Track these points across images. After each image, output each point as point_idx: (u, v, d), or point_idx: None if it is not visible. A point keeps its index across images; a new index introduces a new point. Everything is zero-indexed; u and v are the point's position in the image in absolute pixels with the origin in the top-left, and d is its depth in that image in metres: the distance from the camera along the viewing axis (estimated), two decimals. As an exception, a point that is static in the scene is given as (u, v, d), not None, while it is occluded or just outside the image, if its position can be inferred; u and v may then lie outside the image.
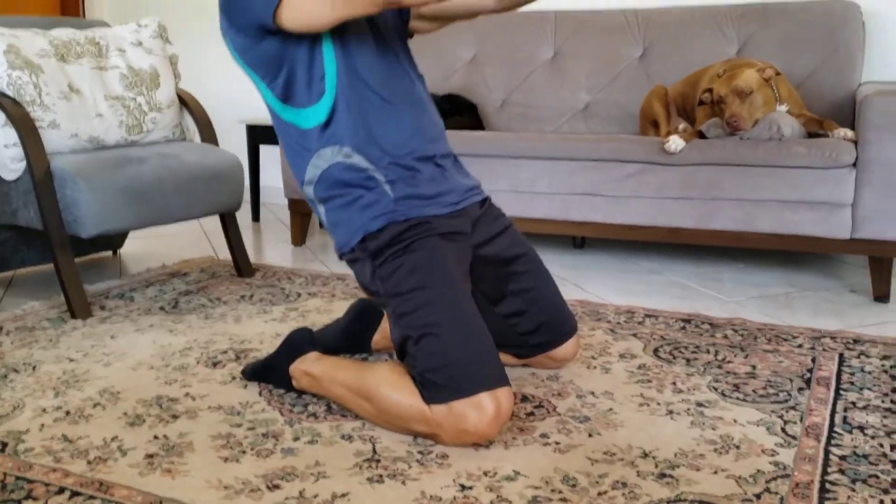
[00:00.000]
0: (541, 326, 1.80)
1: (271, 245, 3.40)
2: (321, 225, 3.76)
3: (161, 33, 2.85)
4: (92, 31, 2.70)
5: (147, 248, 3.31)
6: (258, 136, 3.78)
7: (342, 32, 1.57)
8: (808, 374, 1.87)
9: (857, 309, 2.44)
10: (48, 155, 2.35)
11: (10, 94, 2.36)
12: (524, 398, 1.74)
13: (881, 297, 2.50)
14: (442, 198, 1.65)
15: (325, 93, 1.58)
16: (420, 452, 1.48)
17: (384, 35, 1.68)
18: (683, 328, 2.22)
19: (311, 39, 1.55)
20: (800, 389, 1.79)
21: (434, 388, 1.46)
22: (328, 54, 1.58)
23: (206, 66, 4.35)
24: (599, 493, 1.33)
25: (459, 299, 1.55)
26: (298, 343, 1.76)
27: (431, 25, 1.82)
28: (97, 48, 2.65)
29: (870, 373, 1.89)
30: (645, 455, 1.47)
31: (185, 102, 2.83)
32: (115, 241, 3.12)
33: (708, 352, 2.03)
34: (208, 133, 2.81)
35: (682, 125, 2.85)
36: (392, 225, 1.59)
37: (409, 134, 1.64)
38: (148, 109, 2.68)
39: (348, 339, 1.98)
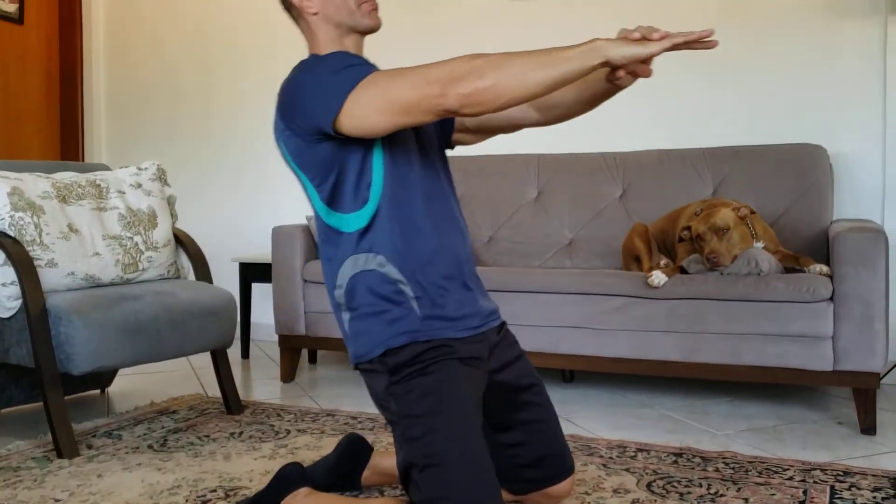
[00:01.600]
0: (541, 461, 1.78)
1: (260, 381, 3.40)
2: (311, 361, 3.77)
3: (160, 175, 2.96)
4: (93, 175, 2.81)
5: (135, 385, 3.30)
6: (250, 273, 3.85)
7: (391, 143, 1.59)
8: (802, 508, 1.87)
9: (845, 441, 2.45)
10: (44, 293, 2.39)
11: (12, 234, 2.43)
12: (518, 535, 1.72)
13: (867, 429, 2.52)
14: (465, 321, 1.64)
15: (369, 200, 1.58)
16: (414, 592, 1.45)
17: (427, 149, 1.70)
18: (675, 462, 2.22)
19: (365, 146, 1.57)
20: (794, 523, 1.78)
21: (435, 523, 1.45)
22: (377, 163, 1.59)
23: (200, 205, 4.48)
24: None
25: (470, 433, 1.53)
26: (289, 478, 1.75)
27: (474, 138, 1.86)
28: (98, 190, 2.75)
29: (862, 505, 1.88)
30: (642, 592, 1.45)
31: (181, 241, 2.90)
32: (103, 378, 3.12)
33: (700, 485, 2.03)
34: (203, 271, 2.87)
35: (663, 261, 2.95)
36: (414, 344, 1.57)
37: (443, 251, 1.63)
38: (144, 248, 2.76)
39: (338, 475, 1.96)
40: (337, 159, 1.56)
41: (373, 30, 1.67)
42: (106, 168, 3.03)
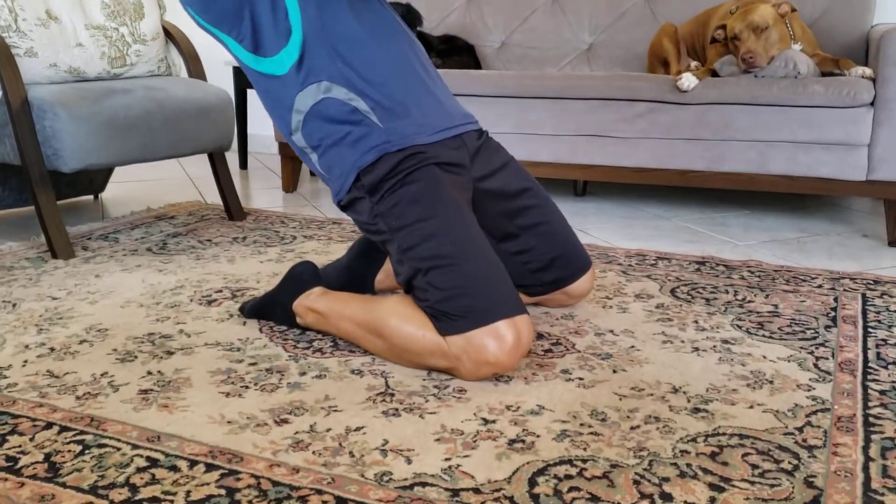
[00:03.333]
0: (554, 261, 1.70)
1: (261, 192, 3.27)
2: (312, 173, 3.63)
3: (144, -38, 2.69)
4: (70, -43, 2.54)
5: (130, 192, 3.17)
6: (245, 79, 3.62)
7: None
8: (833, 313, 1.79)
9: (872, 252, 2.36)
10: (25, 85, 2.20)
11: (-16, 18, 2.21)
12: (540, 336, 1.64)
13: (895, 241, 2.42)
14: (433, 124, 1.54)
15: (292, 28, 1.49)
16: (436, 387, 1.38)
17: None
18: (698, 270, 2.13)
19: None
20: (826, 327, 1.70)
21: (449, 319, 1.36)
22: None
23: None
24: (632, 428, 1.24)
25: (466, 226, 1.45)
26: (302, 278, 1.66)
27: None
28: (76, -25, 2.49)
29: (895, 311, 1.81)
30: (675, 390, 1.38)
31: (172, 35, 2.68)
32: (96, 183, 2.98)
33: (727, 292, 1.95)
34: (196, 68, 2.66)
35: (693, 63, 2.74)
36: (386, 157, 1.48)
37: (389, 57, 1.54)
38: (132, 41, 2.53)
39: (350, 278, 1.87)
40: (243, 2, 1.48)
41: None
42: (83, -48, 2.74)
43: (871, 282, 2.04)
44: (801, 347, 1.59)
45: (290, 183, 3.21)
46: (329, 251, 2.31)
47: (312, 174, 3.63)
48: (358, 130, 1.49)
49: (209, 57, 3.93)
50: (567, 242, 1.70)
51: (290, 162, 3.19)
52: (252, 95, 3.80)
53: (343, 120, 1.50)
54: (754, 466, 1.13)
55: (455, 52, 3.14)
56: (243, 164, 3.75)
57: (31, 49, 2.28)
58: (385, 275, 1.90)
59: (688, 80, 2.48)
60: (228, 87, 3.75)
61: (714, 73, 2.58)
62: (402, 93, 1.52)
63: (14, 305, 1.80)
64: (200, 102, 2.43)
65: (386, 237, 1.49)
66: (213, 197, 3.05)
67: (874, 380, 1.43)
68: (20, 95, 2.15)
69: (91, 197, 3.04)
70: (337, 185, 1.55)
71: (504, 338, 1.35)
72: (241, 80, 3.62)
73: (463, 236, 1.42)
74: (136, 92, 2.31)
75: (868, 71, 2.40)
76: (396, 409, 1.29)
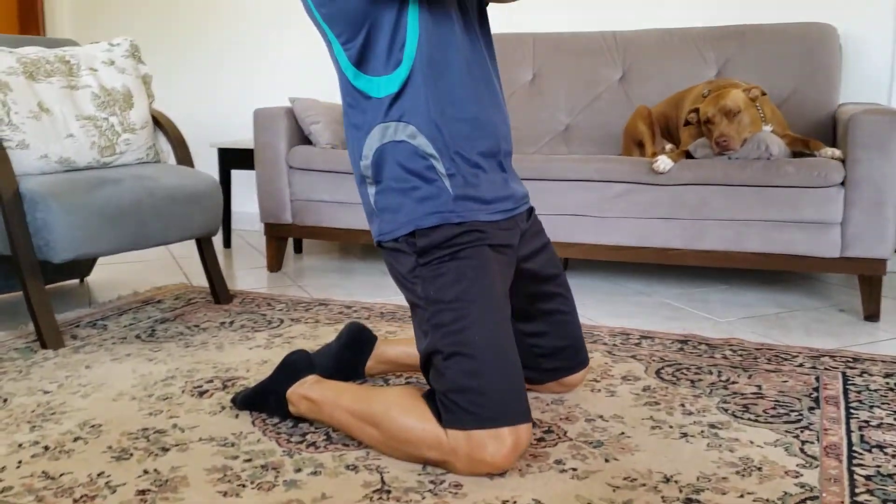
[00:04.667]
0: (560, 351, 1.74)
1: (245, 271, 3.30)
2: (297, 250, 3.67)
3: (133, 52, 2.76)
4: (62, 50, 2.60)
5: (115, 275, 3.18)
6: (230, 160, 3.67)
7: (431, 2, 1.45)
8: (815, 393, 1.84)
9: (849, 328, 2.42)
10: (16, 176, 2.24)
11: (-23, 112, 2.25)
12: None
13: (871, 315, 2.49)
14: (499, 203, 1.55)
15: (402, 62, 1.45)
16: (432, 482, 1.40)
17: (467, 9, 1.55)
18: (681, 349, 2.18)
19: (400, 2, 1.43)
20: (810, 409, 1.75)
21: (456, 411, 1.38)
22: (413, 20, 1.45)
23: (174, 87, 4.25)
24: (627, 521, 1.26)
25: (500, 323, 1.46)
26: (296, 365, 1.67)
27: None
28: (67, 67, 2.55)
29: (875, 391, 1.86)
30: (667, 480, 1.41)
31: (160, 123, 2.73)
32: (82, 268, 2.99)
33: (710, 372, 1.99)
34: (183, 154, 2.71)
35: (668, 146, 2.84)
36: (446, 226, 1.47)
37: (482, 125, 1.52)
38: (121, 130, 2.58)
39: (341, 366, 1.89)
40: (368, 14, 1.41)
41: None
42: (74, 43, 2.81)
43: (851, 359, 2.09)
44: (787, 431, 1.62)
45: (275, 263, 3.24)
46: (317, 335, 2.33)
47: (297, 252, 3.66)
48: (428, 189, 1.48)
49: (195, 138, 4.00)
50: (576, 336, 1.74)
51: (275, 242, 3.23)
52: (236, 175, 3.85)
53: (417, 172, 1.48)
54: (749, 561, 1.15)
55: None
56: (227, 242, 3.78)
57: (23, 141, 2.32)
58: (375, 361, 1.92)
59: (664, 163, 2.57)
60: (214, 166, 3.79)
61: (688, 155, 2.67)
62: (480, 165, 1.52)
63: (5, 401, 1.80)
64: (189, 190, 2.48)
65: (419, 301, 1.49)
66: (198, 278, 3.07)
67: (859, 464, 1.47)
68: (12, 188, 2.18)
69: (77, 280, 3.05)
70: (385, 228, 1.52)
71: (504, 441, 1.37)
72: (227, 161, 3.68)
73: (494, 332, 1.43)
74: (126, 181, 2.35)
75: (837, 152, 2.50)
76: (394, 507, 1.31)
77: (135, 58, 2.76)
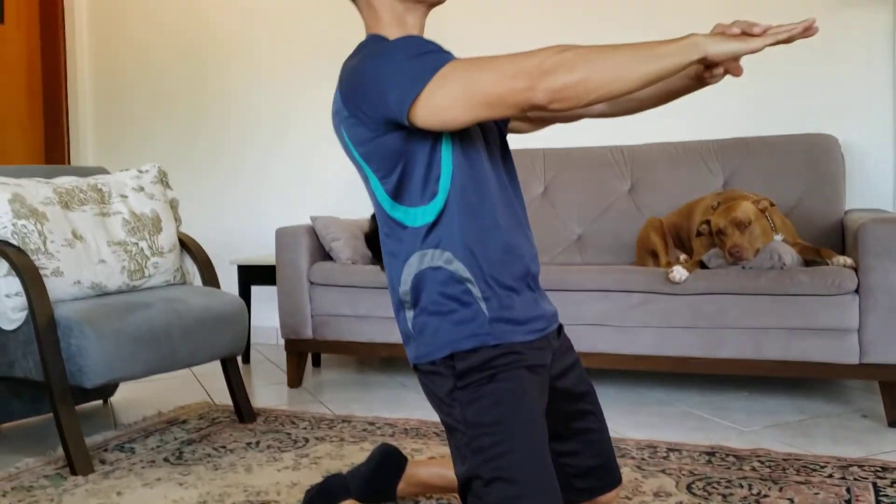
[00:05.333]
0: (592, 471, 1.72)
1: (266, 387, 3.32)
2: (315, 364, 3.69)
3: (161, 178, 2.87)
4: (94, 179, 2.71)
5: (138, 394, 3.20)
6: (250, 276, 3.75)
7: (461, 133, 1.50)
8: (849, 507, 1.84)
9: (874, 435, 2.43)
10: (51, 303, 2.30)
11: (15, 242, 2.33)
12: (568, 545, 1.66)
13: (894, 422, 2.49)
14: (532, 323, 1.56)
15: (437, 193, 1.49)
16: None
17: (489, 139, 1.61)
18: (709, 461, 2.18)
19: (434, 137, 1.48)
20: (846, 523, 1.74)
21: (498, 536, 1.38)
22: (446, 154, 1.50)
23: (193, 208, 4.36)
24: None
25: (540, 446, 1.47)
26: (333, 492, 1.68)
27: (531, 126, 1.79)
28: (100, 195, 2.65)
29: (909, 502, 1.85)
30: None
31: (186, 245, 2.81)
32: (106, 388, 3.02)
33: (741, 486, 1.99)
34: (210, 276, 2.78)
35: (682, 256, 2.90)
36: (484, 349, 1.49)
37: (513, 249, 1.56)
38: (150, 254, 2.66)
39: (372, 489, 1.89)
40: (404, 151, 1.47)
41: (439, 1, 1.56)
42: (105, 171, 2.93)
43: (880, 469, 2.09)
44: (825, 548, 1.62)
45: (295, 379, 3.27)
46: (343, 454, 2.33)
47: (316, 366, 3.69)
48: (464, 312, 1.50)
49: (214, 255, 4.08)
50: (608, 454, 1.73)
51: (296, 357, 3.26)
52: (256, 291, 3.92)
53: (454, 296, 1.50)
54: None
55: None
56: (245, 357, 3.81)
57: (58, 269, 2.39)
58: (406, 483, 1.92)
59: (679, 273, 2.63)
60: (234, 283, 3.87)
61: (702, 265, 2.73)
62: (513, 287, 1.54)
63: (39, 532, 1.80)
64: (217, 311, 2.53)
65: (457, 425, 1.49)
66: (220, 396, 3.09)
67: (902, 583, 1.46)
68: (47, 315, 2.24)
69: (101, 401, 3.07)
70: (422, 351, 1.54)
71: (546, 566, 1.37)
72: (247, 277, 3.75)
73: (535, 456, 1.44)
74: (157, 305, 2.41)
75: (849, 261, 2.56)
76: None
77: (163, 183, 2.86)
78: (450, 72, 1.35)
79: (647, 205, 3.32)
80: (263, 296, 4.06)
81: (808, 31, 1.31)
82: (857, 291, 2.51)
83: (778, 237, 2.71)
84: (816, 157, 3.11)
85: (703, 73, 1.44)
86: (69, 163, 4.61)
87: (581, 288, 2.79)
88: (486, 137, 1.58)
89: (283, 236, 3.23)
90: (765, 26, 1.29)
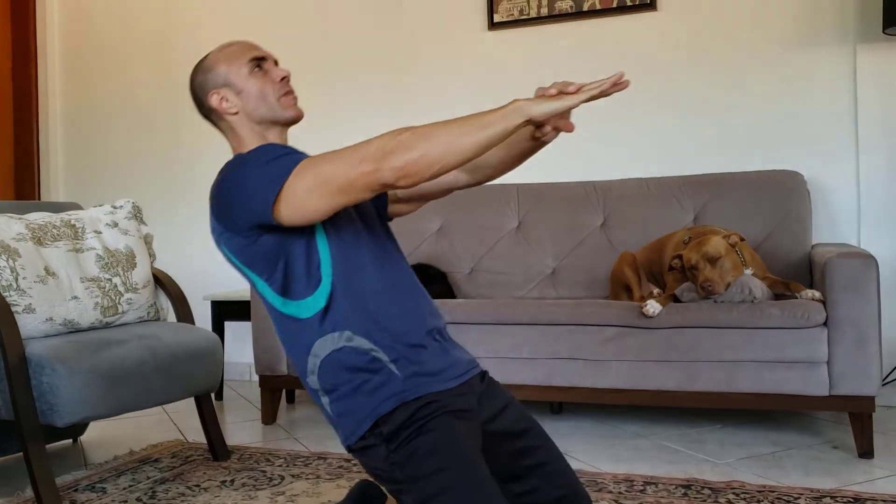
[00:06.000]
0: (559, 502, 1.74)
1: (239, 424, 3.28)
2: (289, 400, 3.67)
3: (136, 214, 2.86)
4: (67, 214, 2.69)
5: (108, 432, 3.14)
6: (223, 311, 3.73)
7: (334, 221, 1.59)
8: (824, 538, 1.86)
9: (845, 466, 2.46)
10: (23, 340, 2.26)
11: (-13, 279, 2.30)
12: (548, 581, 1.66)
13: (865, 453, 2.53)
14: (446, 372, 1.62)
15: (321, 280, 1.57)
16: None
17: (369, 224, 1.71)
18: (685, 495, 2.20)
19: (307, 230, 1.56)
20: (821, 555, 1.76)
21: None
22: (322, 242, 1.58)
23: (165, 244, 4.34)
24: None
25: (482, 479, 1.49)
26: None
27: (408, 207, 1.87)
28: (73, 230, 2.63)
29: (882, 533, 1.88)
30: None
31: (160, 281, 2.80)
32: (76, 427, 2.96)
33: (718, 519, 2.00)
34: (184, 312, 2.76)
35: (655, 290, 2.94)
36: (404, 406, 1.53)
37: (407, 312, 1.62)
38: (124, 290, 2.64)
39: (351, 525, 1.88)
40: (281, 249, 1.55)
41: (295, 120, 1.68)
42: (78, 207, 2.91)
43: (852, 499, 2.12)
44: (802, 580, 1.63)
45: (270, 415, 3.24)
46: (319, 491, 2.31)
47: (290, 403, 3.66)
48: (376, 379, 1.54)
49: (186, 291, 4.04)
50: (570, 482, 1.75)
51: (270, 394, 3.24)
52: (229, 327, 3.89)
53: (362, 368, 1.55)
54: None
55: (429, 280, 3.31)
56: (219, 395, 3.77)
57: (30, 305, 2.36)
58: (385, 520, 1.91)
59: (653, 307, 2.66)
60: (206, 319, 3.84)
61: (675, 298, 2.77)
62: (418, 343, 1.59)
63: (9, 576, 1.76)
64: (191, 347, 2.51)
65: (401, 487, 1.52)
66: (193, 434, 3.05)
67: None
68: (18, 352, 2.20)
69: (70, 440, 3.01)
70: (349, 431, 1.57)
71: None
72: (220, 313, 3.72)
73: (479, 489, 1.46)
74: (130, 341, 2.39)
75: (817, 294, 2.62)
76: None
77: (137, 219, 2.85)
78: (303, 168, 1.45)
79: (619, 239, 3.36)
80: (237, 332, 4.03)
81: (617, 84, 1.40)
82: (825, 324, 2.55)
83: (748, 271, 2.76)
84: (783, 193, 3.18)
85: (535, 132, 1.52)
86: (39, 198, 4.57)
87: (555, 322, 2.81)
88: (362, 215, 1.67)
89: (258, 271, 3.21)
90: (579, 84, 1.39)
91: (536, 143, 1.63)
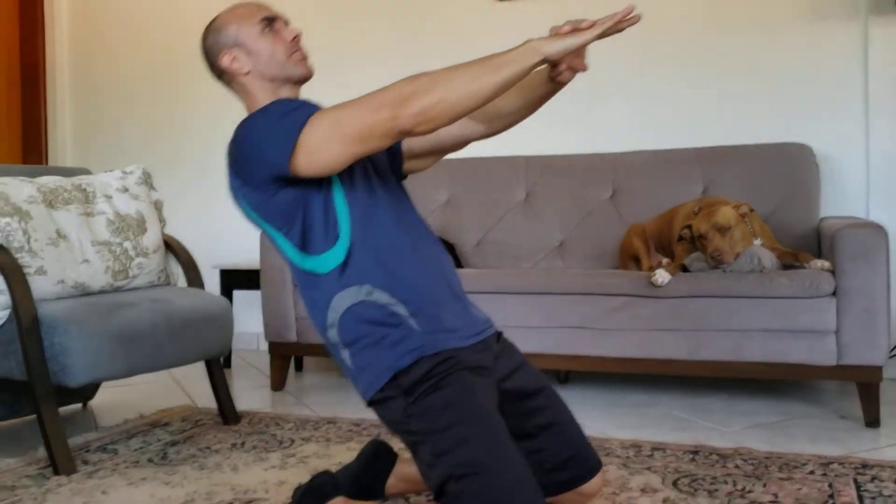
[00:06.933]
0: (568, 462, 1.76)
1: (248, 391, 3.30)
2: (298, 368, 3.68)
3: (146, 179, 2.86)
4: (78, 179, 2.69)
5: (118, 398, 3.17)
6: (232, 280, 3.74)
7: (349, 175, 1.59)
8: (832, 501, 1.87)
9: (852, 434, 2.48)
10: (35, 301, 2.28)
11: (-1, 240, 2.31)
12: (559, 538, 1.68)
13: (872, 422, 2.54)
14: (464, 329, 1.63)
15: (340, 234, 1.57)
16: None
17: (385, 180, 1.71)
18: (693, 459, 2.21)
19: (324, 184, 1.57)
20: (829, 516, 1.78)
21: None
22: (339, 196, 1.58)
23: (175, 212, 4.33)
24: None
25: (498, 431, 1.50)
26: (322, 489, 1.69)
27: (424, 163, 1.86)
28: (84, 195, 2.64)
29: (890, 496, 1.89)
30: (702, 591, 1.42)
31: (171, 247, 2.81)
32: (86, 391, 2.99)
33: (726, 482, 2.02)
34: (194, 277, 2.77)
35: (664, 260, 2.94)
36: (423, 360, 1.54)
37: (426, 266, 1.63)
38: (134, 255, 2.65)
39: (362, 485, 1.89)
40: (299, 203, 1.55)
41: (306, 78, 1.68)
42: (88, 172, 2.91)
43: (860, 465, 2.13)
44: (810, 539, 1.65)
45: (279, 382, 3.26)
46: (330, 453, 2.33)
47: (298, 370, 3.68)
48: (396, 333, 1.55)
49: (197, 261, 4.05)
50: (580, 442, 1.77)
51: (279, 360, 3.25)
52: (237, 295, 3.91)
53: (382, 322, 1.56)
54: None
55: (437, 251, 3.31)
56: (227, 362, 3.79)
57: (42, 267, 2.37)
58: (396, 479, 1.93)
59: (661, 276, 2.67)
60: (215, 287, 3.85)
61: (684, 268, 2.77)
62: (436, 299, 1.60)
63: (25, 529, 1.79)
64: (203, 312, 2.53)
65: (417, 438, 1.53)
66: (202, 400, 3.07)
67: (886, 570, 1.50)
68: (31, 313, 2.22)
69: (80, 405, 3.03)
70: (368, 383, 1.58)
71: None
72: (228, 282, 3.74)
73: (495, 443, 1.47)
74: (142, 305, 2.40)
75: (826, 264, 2.62)
76: None
77: (147, 184, 2.85)
78: (318, 119, 1.46)
79: (628, 212, 3.36)
80: (245, 301, 4.04)
81: (628, 18, 1.42)
82: (834, 294, 2.56)
83: (757, 241, 2.76)
84: (792, 166, 3.17)
85: (551, 73, 1.54)
86: (46, 164, 4.57)
87: (564, 291, 2.81)
88: (378, 172, 1.68)
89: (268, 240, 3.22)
90: (591, 21, 1.41)
91: (553, 87, 1.62)
